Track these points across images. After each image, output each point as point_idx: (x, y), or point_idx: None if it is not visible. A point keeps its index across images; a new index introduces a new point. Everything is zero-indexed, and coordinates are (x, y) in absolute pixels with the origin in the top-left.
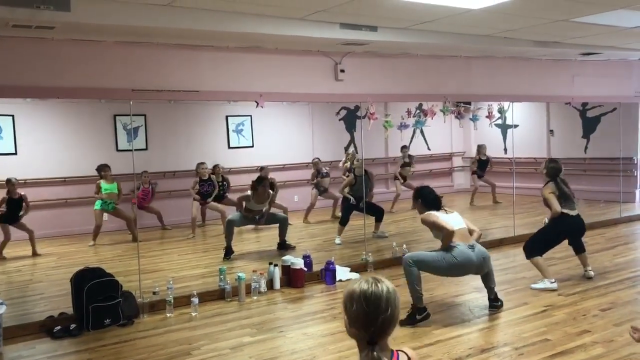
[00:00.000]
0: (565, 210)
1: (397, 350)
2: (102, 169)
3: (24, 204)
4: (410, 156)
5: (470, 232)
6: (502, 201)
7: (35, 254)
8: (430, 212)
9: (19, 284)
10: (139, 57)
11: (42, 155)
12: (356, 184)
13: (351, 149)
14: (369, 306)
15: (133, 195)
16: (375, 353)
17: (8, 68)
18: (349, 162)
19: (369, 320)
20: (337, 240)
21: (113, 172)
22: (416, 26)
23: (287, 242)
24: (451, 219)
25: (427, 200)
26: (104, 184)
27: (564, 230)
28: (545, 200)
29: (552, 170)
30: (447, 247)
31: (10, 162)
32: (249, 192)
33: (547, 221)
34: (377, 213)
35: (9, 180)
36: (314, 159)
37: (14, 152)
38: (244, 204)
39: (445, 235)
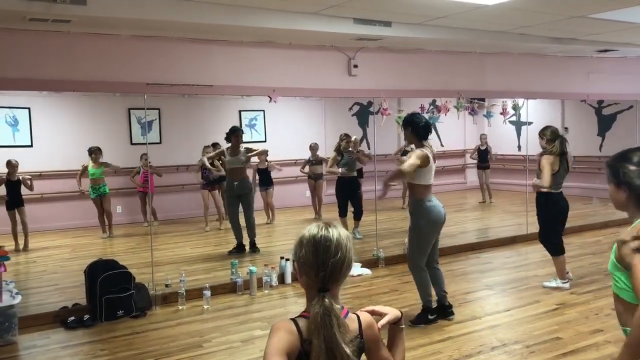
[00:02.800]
0: (553, 190)
1: (348, 309)
2: (94, 152)
3: (22, 186)
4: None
5: None
6: (514, 199)
7: (26, 248)
8: (425, 151)
9: (33, 274)
10: (154, 51)
11: (57, 147)
12: (342, 159)
13: (354, 137)
14: (318, 249)
15: (137, 183)
16: (326, 299)
17: (25, 61)
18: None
19: (318, 264)
20: (358, 236)
21: (127, 165)
22: (430, 22)
23: (257, 245)
24: (433, 169)
25: (418, 128)
26: (90, 167)
27: (560, 209)
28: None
29: (559, 147)
30: (421, 201)
31: (26, 154)
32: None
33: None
34: (355, 210)
35: (9, 162)
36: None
37: (30, 144)
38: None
39: (415, 183)
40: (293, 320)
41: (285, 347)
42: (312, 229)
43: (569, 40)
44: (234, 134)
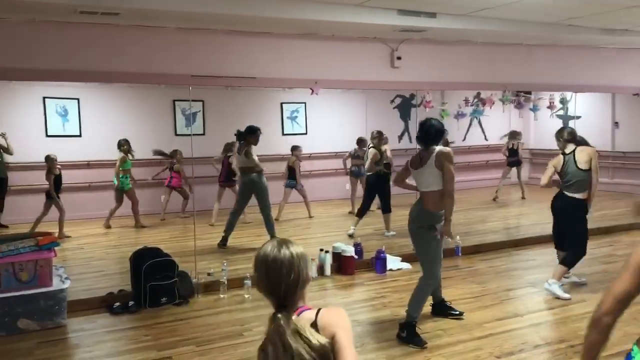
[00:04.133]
0: None
1: (304, 307)
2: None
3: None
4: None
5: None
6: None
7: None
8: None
9: (82, 260)
10: (199, 44)
11: (104, 137)
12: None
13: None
14: (270, 273)
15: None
16: (279, 316)
17: (75, 53)
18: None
19: (271, 287)
20: (387, 234)
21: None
22: (476, 13)
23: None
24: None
25: (440, 134)
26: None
27: None
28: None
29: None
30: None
31: (75, 143)
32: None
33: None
34: (382, 204)
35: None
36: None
37: (79, 134)
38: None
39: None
40: None
41: None
42: (266, 249)
43: (621, 31)
44: (248, 135)
